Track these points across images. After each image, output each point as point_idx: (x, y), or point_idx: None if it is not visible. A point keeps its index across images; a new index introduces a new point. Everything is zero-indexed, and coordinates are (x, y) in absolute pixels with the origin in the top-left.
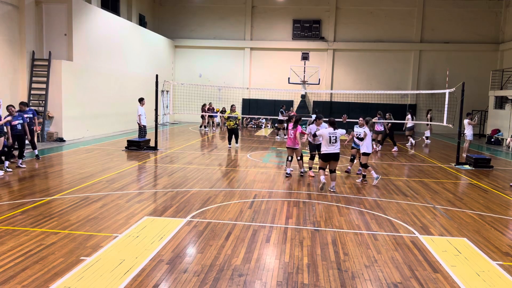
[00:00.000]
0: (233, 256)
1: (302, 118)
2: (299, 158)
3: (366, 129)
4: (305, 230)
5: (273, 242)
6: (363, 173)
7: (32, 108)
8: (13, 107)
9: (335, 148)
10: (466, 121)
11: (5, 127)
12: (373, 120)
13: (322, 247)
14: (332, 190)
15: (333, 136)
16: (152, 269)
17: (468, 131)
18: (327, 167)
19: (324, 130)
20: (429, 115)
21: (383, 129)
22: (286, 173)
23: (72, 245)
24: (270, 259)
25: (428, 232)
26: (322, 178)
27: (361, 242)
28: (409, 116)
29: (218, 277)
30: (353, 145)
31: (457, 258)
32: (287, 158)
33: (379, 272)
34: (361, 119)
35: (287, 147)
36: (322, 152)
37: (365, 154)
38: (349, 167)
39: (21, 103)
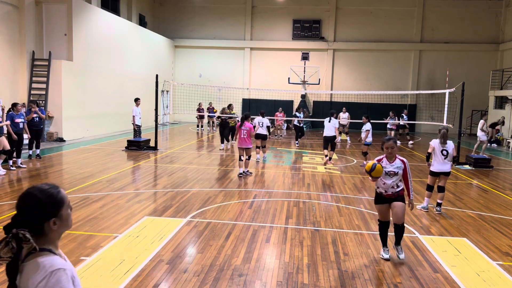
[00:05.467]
0: (233, 256)
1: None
2: (248, 157)
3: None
4: (305, 230)
5: (273, 242)
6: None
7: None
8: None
9: (262, 130)
10: (480, 123)
11: (21, 125)
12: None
13: (322, 247)
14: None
15: (260, 122)
16: (152, 269)
17: (481, 134)
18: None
19: (256, 119)
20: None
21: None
22: (240, 173)
23: (72, 245)
24: (270, 259)
25: (428, 232)
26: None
27: (361, 242)
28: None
29: (218, 277)
30: (364, 142)
31: (457, 258)
32: (240, 157)
33: (379, 272)
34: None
35: (239, 148)
36: (256, 133)
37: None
38: (364, 162)
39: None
